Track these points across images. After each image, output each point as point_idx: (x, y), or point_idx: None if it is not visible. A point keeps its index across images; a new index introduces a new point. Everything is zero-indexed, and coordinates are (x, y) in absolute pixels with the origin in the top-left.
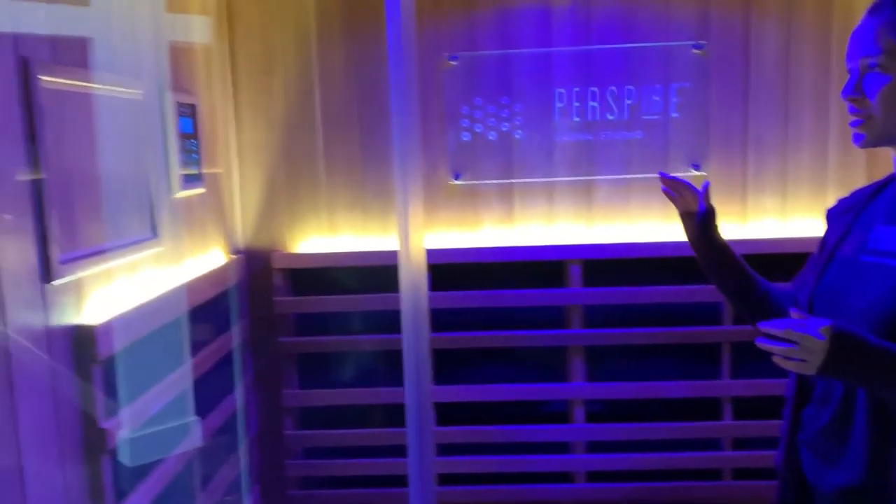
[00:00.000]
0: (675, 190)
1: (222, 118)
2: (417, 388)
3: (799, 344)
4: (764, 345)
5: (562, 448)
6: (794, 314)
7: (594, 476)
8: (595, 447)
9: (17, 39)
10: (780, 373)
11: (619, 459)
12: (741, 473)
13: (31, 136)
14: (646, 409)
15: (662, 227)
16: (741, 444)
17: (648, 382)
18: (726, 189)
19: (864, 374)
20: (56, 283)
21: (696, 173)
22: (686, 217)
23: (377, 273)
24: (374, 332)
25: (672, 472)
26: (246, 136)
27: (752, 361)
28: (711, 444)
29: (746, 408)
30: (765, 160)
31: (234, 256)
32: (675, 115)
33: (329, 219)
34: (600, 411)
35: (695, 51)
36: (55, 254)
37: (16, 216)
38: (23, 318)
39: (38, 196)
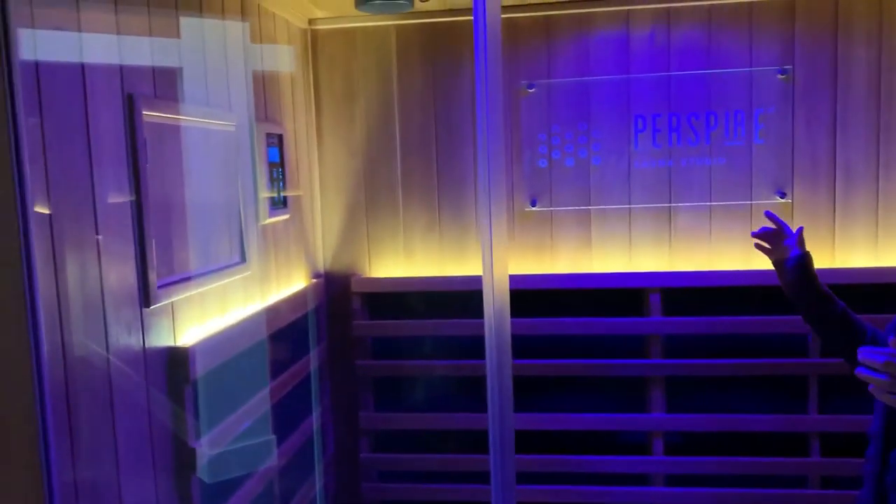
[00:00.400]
0: (768, 241)
1: (305, 146)
2: (501, 416)
3: None
4: (863, 375)
5: (641, 480)
6: (894, 342)
7: None
8: (674, 481)
9: (122, 75)
10: (872, 409)
11: (698, 494)
12: None
13: (135, 168)
14: (728, 443)
15: (745, 255)
16: (830, 482)
17: (731, 415)
18: (813, 217)
19: None
20: (153, 307)
21: (782, 201)
22: (780, 265)
23: (453, 298)
24: (449, 357)
25: None
26: (327, 162)
27: (842, 396)
28: (798, 482)
29: (835, 444)
30: (854, 187)
31: (314, 280)
32: (758, 141)
33: (406, 244)
34: (680, 444)
35: (779, 76)
36: (153, 280)
37: (119, 244)
38: (123, 340)
39: (139, 226)
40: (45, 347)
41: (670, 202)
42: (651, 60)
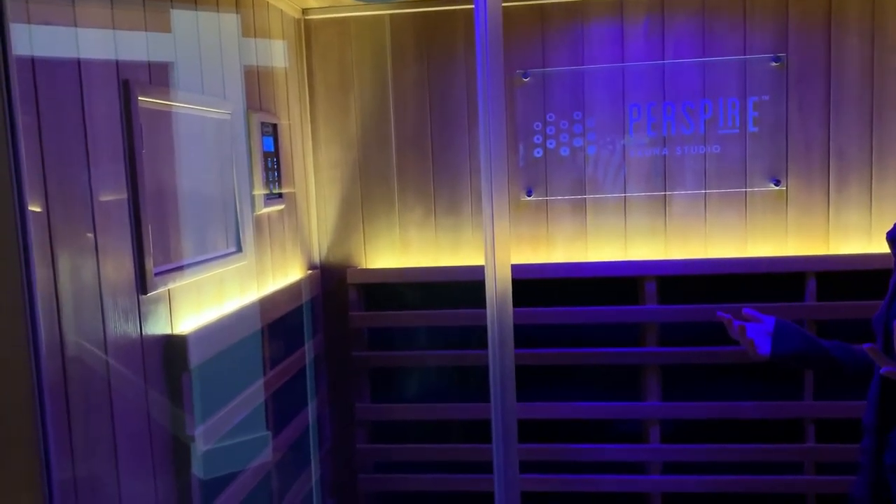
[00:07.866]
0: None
1: (300, 136)
2: (503, 405)
3: None
4: None
5: (638, 468)
6: None
7: (670, 498)
8: (671, 468)
9: (119, 64)
10: (866, 395)
11: (695, 481)
12: (826, 500)
13: (131, 154)
14: (723, 431)
15: (740, 242)
16: (825, 468)
17: (726, 402)
18: (807, 205)
19: None
20: (151, 294)
21: (776, 188)
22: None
23: (449, 289)
24: (443, 347)
25: (751, 496)
26: (322, 153)
27: (837, 382)
28: (793, 468)
29: (830, 430)
30: (848, 174)
31: (310, 272)
32: (753, 129)
33: (402, 235)
34: (676, 432)
35: (773, 63)
36: (150, 267)
37: (116, 231)
38: (121, 328)
39: (135, 212)
40: (43, 336)
41: (665, 190)
42: (645, 49)
